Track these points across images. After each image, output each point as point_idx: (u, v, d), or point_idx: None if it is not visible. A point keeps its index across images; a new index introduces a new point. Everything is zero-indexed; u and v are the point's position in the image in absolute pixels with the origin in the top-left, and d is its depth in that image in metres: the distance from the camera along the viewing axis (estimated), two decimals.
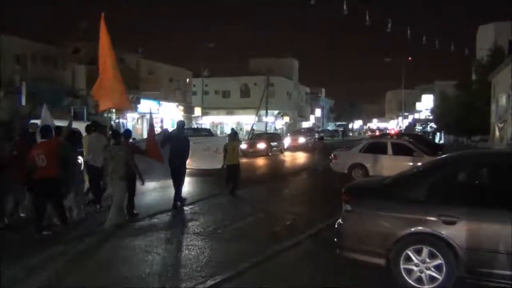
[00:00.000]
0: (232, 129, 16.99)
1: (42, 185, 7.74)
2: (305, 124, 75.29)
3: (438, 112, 45.84)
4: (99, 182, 9.50)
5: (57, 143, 8.27)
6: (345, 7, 17.86)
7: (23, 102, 23.87)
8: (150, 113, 12.77)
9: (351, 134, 77.24)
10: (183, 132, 11.74)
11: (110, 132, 9.84)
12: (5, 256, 6.50)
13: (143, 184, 9.25)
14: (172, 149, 10.40)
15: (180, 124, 11.44)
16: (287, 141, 35.44)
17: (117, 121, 30.62)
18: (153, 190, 12.78)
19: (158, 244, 7.49)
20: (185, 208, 10.56)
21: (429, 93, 69.32)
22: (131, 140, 10.17)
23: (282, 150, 30.84)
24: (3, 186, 8.20)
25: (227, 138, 14.00)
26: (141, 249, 7.17)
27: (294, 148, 34.41)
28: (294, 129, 48.76)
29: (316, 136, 39.95)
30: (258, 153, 27.64)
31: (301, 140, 38.05)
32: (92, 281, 5.82)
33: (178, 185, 10.44)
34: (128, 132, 9.96)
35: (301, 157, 28.27)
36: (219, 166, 12.72)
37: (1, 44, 24.93)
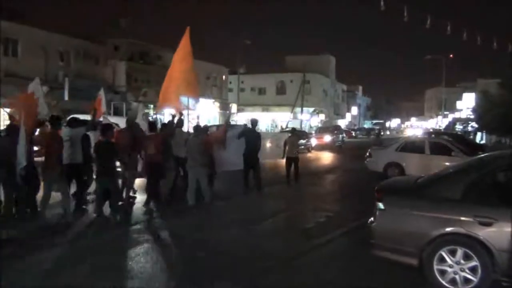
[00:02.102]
0: (293, 127, 18.57)
1: (151, 167, 9.59)
2: (341, 122, 74.59)
3: (479, 111, 44.38)
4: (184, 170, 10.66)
5: (162, 136, 10.15)
6: (382, 2, 17.48)
7: (66, 97, 24.71)
8: (230, 113, 14.09)
9: (388, 133, 75.74)
10: (256, 127, 13.24)
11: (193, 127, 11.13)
12: None
13: (215, 173, 10.73)
14: (247, 142, 11.87)
15: (254, 121, 12.92)
16: (313, 140, 33.53)
17: (154, 116, 31.23)
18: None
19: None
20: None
21: (471, 91, 67.15)
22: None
23: (309, 149, 30.01)
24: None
25: (288, 134, 15.84)
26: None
27: (320, 147, 32.76)
28: (320, 127, 47.45)
29: (342, 136, 38.67)
30: None
31: (327, 138, 36.58)
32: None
33: (256, 174, 12.13)
34: (205, 127, 11.37)
35: (326, 158, 26.90)
36: (280, 158, 14.91)
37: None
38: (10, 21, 24.37)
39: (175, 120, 11.12)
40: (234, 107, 48.75)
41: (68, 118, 9.94)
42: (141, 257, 6.52)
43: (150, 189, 9.76)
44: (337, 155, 28.12)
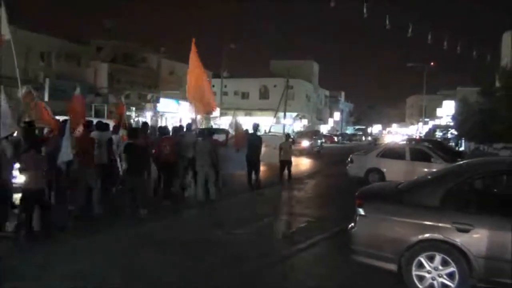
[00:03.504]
0: (288, 133, 20.24)
1: (167, 166, 10.66)
2: (323, 127, 74.96)
3: (459, 118, 45.11)
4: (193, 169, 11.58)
5: (176, 139, 11.24)
6: (365, 10, 17.69)
7: (46, 98, 24.34)
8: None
9: (369, 138, 76.37)
10: (257, 131, 14.62)
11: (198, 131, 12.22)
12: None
13: (219, 172, 11.42)
14: (249, 145, 13.14)
15: (255, 126, 14.17)
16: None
17: (136, 119, 30.99)
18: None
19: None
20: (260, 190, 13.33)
21: (451, 99, 68.25)
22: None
23: None
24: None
25: (283, 138, 16.90)
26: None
27: (297, 152, 29.26)
28: (298, 132, 46.82)
29: (321, 142, 37.80)
30: None
31: (305, 143, 35.88)
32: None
33: (256, 174, 13.39)
34: (211, 131, 12.44)
35: (303, 163, 25.15)
36: (276, 160, 15.59)
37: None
38: None
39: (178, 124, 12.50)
40: (217, 111, 48.53)
41: (96, 122, 10.68)
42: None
43: (165, 186, 10.89)
44: (314, 161, 27.48)
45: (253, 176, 13.52)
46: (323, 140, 42.22)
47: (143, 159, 9.45)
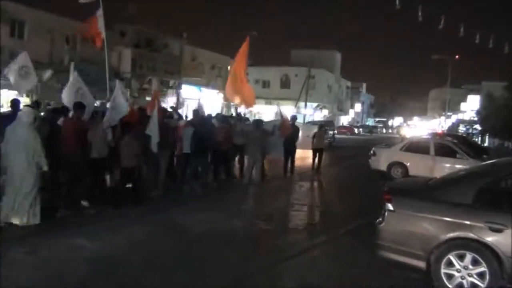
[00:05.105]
0: (321, 122, 21.17)
1: (221, 152, 11.71)
2: (344, 119, 74.30)
3: (484, 113, 44.24)
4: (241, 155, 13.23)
5: (232, 127, 12.56)
6: (397, 1, 17.30)
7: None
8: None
9: (390, 131, 75.46)
10: (295, 122, 15.81)
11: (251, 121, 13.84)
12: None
13: (264, 158, 12.62)
14: (288, 135, 13.64)
15: (294, 117, 15.87)
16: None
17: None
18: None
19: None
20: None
21: (476, 93, 66.97)
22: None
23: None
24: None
25: (316, 127, 17.63)
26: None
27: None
28: (307, 122, 45.63)
29: (333, 133, 36.00)
30: None
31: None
32: None
33: (291, 161, 14.53)
34: (261, 122, 13.14)
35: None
36: (310, 148, 16.61)
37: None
38: (17, 2, 24.23)
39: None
40: (237, 99, 48.43)
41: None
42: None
43: (215, 169, 11.97)
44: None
45: (289, 164, 14.53)
46: (335, 131, 41.19)
47: (208, 144, 10.82)
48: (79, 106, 8.75)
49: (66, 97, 10.06)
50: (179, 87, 35.05)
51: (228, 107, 44.60)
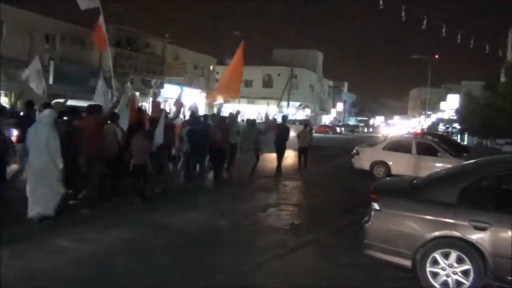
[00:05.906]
0: (306, 121, 21.92)
1: (218, 151, 12.07)
2: (326, 118, 74.69)
3: (463, 112, 44.93)
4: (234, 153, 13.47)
5: (228, 127, 12.80)
6: (381, 1, 17.46)
7: (51, 81, 24.20)
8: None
9: (371, 130, 76.04)
10: (286, 122, 16.43)
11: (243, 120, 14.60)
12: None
13: (261, 154, 13.65)
14: (278, 133, 14.96)
15: (285, 117, 16.74)
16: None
17: (139, 104, 30.83)
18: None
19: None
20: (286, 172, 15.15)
21: (455, 92, 68.00)
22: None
23: None
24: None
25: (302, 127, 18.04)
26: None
27: None
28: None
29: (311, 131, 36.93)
30: None
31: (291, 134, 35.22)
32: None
33: (280, 159, 14.87)
34: (254, 121, 13.93)
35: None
36: (293, 148, 17.28)
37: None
38: None
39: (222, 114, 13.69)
40: (220, 98, 48.30)
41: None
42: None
43: (216, 166, 12.50)
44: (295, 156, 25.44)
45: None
46: (313, 130, 41.28)
47: (204, 142, 11.32)
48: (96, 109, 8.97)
49: (98, 99, 10.96)
50: (161, 86, 34.77)
51: (211, 106, 44.45)
